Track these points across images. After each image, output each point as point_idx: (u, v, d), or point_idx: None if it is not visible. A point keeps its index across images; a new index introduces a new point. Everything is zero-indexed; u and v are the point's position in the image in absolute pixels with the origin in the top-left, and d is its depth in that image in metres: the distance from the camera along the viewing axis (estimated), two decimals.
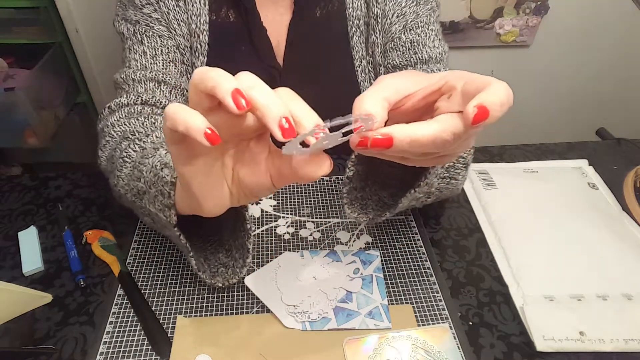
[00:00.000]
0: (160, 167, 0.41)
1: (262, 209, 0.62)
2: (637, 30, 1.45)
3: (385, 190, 0.52)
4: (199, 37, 0.64)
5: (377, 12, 0.65)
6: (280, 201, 0.64)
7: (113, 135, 0.55)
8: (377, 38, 0.66)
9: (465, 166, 0.54)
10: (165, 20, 0.63)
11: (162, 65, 0.62)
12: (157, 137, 0.50)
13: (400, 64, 0.66)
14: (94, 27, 1.27)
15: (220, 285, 0.49)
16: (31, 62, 1.29)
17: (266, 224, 0.60)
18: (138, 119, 0.55)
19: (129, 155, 0.49)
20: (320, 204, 0.63)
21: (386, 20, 0.65)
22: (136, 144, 0.50)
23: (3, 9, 1.25)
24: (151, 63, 0.62)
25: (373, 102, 0.31)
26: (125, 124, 0.55)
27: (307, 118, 0.31)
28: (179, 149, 0.32)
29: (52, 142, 1.38)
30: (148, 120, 0.56)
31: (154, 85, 0.61)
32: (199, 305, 0.51)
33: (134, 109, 0.57)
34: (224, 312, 0.50)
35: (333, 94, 0.68)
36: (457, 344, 0.47)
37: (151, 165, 0.43)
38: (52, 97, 1.38)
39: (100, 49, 1.31)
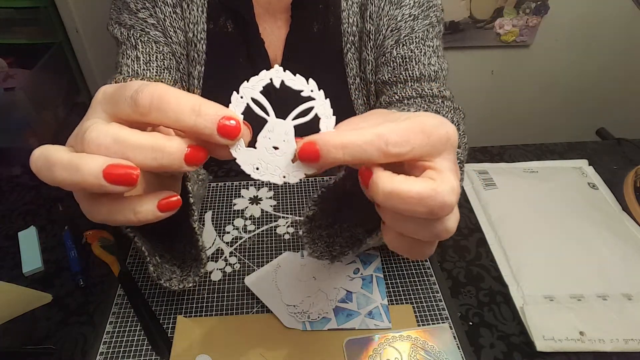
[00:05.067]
0: None
1: (262, 209, 0.62)
2: (637, 30, 1.45)
3: (361, 227, 0.46)
4: (196, 45, 0.63)
5: (369, 28, 0.63)
6: (280, 201, 0.64)
7: None
8: (368, 55, 0.64)
9: None
10: (161, 27, 0.61)
11: (156, 72, 0.60)
12: None
13: (390, 80, 0.63)
14: (94, 27, 1.27)
15: (191, 285, 0.44)
16: (31, 62, 1.29)
17: (266, 224, 0.60)
18: None
19: None
20: None
21: (379, 35, 0.62)
22: None
23: (3, 9, 1.25)
24: (144, 69, 0.60)
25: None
26: None
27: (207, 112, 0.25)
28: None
29: (52, 142, 1.38)
30: None
31: None
32: (199, 305, 0.51)
33: None
34: (224, 312, 0.50)
35: None
36: (457, 344, 0.47)
37: None
38: (52, 97, 1.38)
39: (100, 49, 1.31)
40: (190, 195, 0.42)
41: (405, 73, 0.62)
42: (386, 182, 0.25)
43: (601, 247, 0.58)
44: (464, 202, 0.66)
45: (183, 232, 0.46)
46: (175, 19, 0.62)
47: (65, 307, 0.52)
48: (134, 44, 0.61)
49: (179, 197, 0.27)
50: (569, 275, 0.55)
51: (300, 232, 0.44)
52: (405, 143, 0.25)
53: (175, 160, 0.25)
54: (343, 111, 0.64)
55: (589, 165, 0.72)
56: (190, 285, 0.45)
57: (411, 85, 0.62)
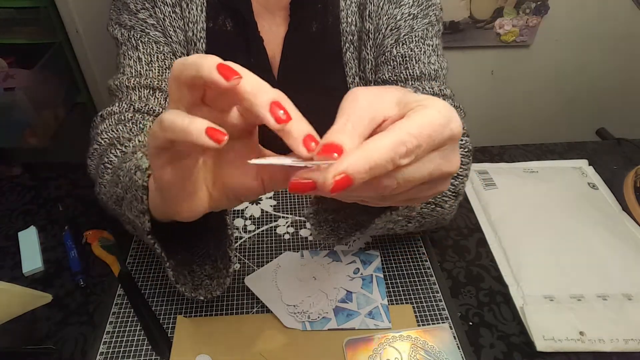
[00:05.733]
0: (135, 170, 0.39)
1: (262, 209, 0.62)
2: (637, 31, 1.45)
3: (364, 215, 0.46)
4: (196, 45, 0.64)
5: (369, 27, 0.63)
6: (280, 201, 0.64)
7: (100, 142, 0.54)
8: (367, 54, 0.64)
9: (454, 195, 0.49)
10: (161, 27, 0.62)
11: (158, 72, 0.61)
12: (139, 141, 0.49)
13: (390, 79, 0.63)
14: (94, 27, 1.27)
15: (202, 298, 0.46)
16: (31, 62, 1.29)
17: (266, 224, 0.60)
18: (126, 125, 0.54)
19: (111, 161, 0.48)
20: None
21: (379, 34, 0.63)
22: (118, 149, 0.49)
23: (3, 9, 1.25)
24: (146, 70, 0.60)
25: (351, 141, 0.27)
26: (112, 131, 0.54)
27: (297, 125, 0.28)
28: (161, 153, 0.31)
29: (52, 142, 1.38)
30: (136, 125, 0.54)
31: (149, 92, 0.59)
32: (199, 305, 0.51)
33: (124, 116, 0.56)
34: (224, 312, 0.50)
35: (326, 112, 0.66)
36: (457, 344, 0.47)
37: (127, 169, 0.42)
38: (52, 97, 1.38)
39: (100, 49, 1.31)
40: (229, 227, 0.44)
41: (406, 72, 0.62)
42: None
43: (601, 247, 0.58)
44: (464, 202, 0.66)
45: (214, 255, 0.48)
46: (174, 19, 0.62)
47: (65, 307, 0.52)
48: (134, 44, 0.61)
49: (226, 137, 0.28)
50: (569, 275, 0.55)
51: (307, 213, 0.45)
52: (413, 152, 0.26)
53: (259, 107, 0.27)
54: None
55: (589, 165, 0.72)
56: (201, 298, 0.46)
57: (412, 84, 0.62)
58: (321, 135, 0.28)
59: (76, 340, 0.49)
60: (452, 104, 0.61)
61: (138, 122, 0.55)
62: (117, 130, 0.53)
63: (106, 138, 0.53)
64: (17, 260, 0.57)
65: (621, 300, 0.52)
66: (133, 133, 0.52)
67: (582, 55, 1.50)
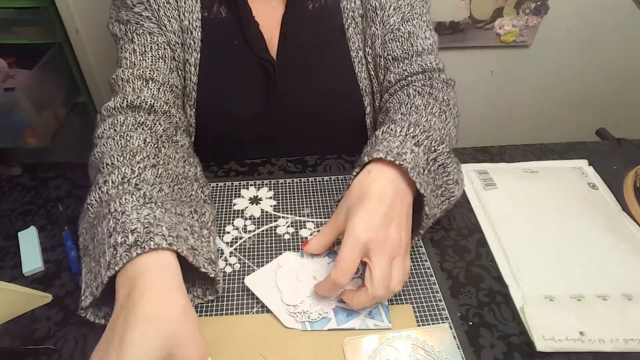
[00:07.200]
0: (106, 257, 0.44)
1: (262, 209, 0.62)
2: (637, 31, 1.45)
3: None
4: (191, 33, 0.65)
5: (374, 4, 0.66)
6: (280, 201, 0.64)
7: (95, 154, 0.54)
8: (377, 29, 0.67)
9: (455, 183, 0.56)
10: (155, 18, 0.63)
11: (151, 62, 0.62)
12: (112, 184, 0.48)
13: (400, 56, 0.67)
14: (94, 27, 1.27)
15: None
16: (31, 62, 1.29)
17: (266, 224, 0.60)
18: (114, 139, 0.53)
19: (91, 204, 0.48)
20: (320, 204, 0.63)
21: (384, 12, 0.66)
22: (99, 186, 0.48)
23: (3, 9, 1.25)
24: (140, 60, 0.62)
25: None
26: (103, 145, 0.53)
27: None
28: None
29: (52, 142, 1.38)
30: (123, 139, 0.53)
31: (142, 83, 0.60)
32: (199, 305, 0.51)
33: (117, 120, 0.56)
34: (224, 312, 0.50)
35: (329, 85, 0.66)
36: (457, 344, 0.47)
37: (101, 239, 0.45)
38: (52, 97, 1.38)
39: (100, 49, 1.31)
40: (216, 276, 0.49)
41: (412, 49, 0.67)
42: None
43: (601, 247, 0.58)
44: (464, 202, 0.66)
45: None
46: (168, 9, 0.64)
47: (65, 307, 0.52)
48: (130, 37, 0.63)
49: None
50: (569, 275, 0.55)
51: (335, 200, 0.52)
52: (346, 273, 0.46)
53: None
54: (346, 84, 0.69)
55: (589, 165, 0.72)
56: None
57: (415, 60, 0.67)
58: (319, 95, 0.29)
59: (76, 340, 0.49)
60: (445, 78, 0.67)
61: (125, 134, 0.54)
62: (106, 146, 0.53)
63: (99, 152, 0.53)
64: (17, 260, 0.57)
65: (621, 300, 0.52)
66: (117, 153, 0.51)
67: (582, 55, 1.50)
